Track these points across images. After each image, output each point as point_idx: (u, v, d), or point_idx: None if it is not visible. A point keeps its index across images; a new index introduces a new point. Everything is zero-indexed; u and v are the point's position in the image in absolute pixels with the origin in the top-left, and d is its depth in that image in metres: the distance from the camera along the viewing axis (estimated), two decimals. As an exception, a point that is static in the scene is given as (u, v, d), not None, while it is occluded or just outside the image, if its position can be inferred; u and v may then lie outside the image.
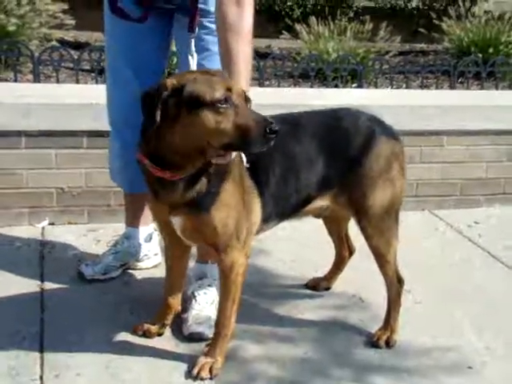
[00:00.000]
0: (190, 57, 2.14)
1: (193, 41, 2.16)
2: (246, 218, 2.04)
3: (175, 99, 1.77)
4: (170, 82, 1.80)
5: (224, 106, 1.76)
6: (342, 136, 2.20)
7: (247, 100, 1.85)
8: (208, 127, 1.76)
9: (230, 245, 2.02)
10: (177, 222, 2.01)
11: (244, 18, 2.01)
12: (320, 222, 2.60)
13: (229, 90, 1.78)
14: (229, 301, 2.09)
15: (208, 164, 1.89)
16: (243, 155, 1.98)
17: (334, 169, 2.18)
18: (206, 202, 1.94)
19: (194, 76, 1.83)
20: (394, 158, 2.24)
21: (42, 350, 2.17)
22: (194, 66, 2.17)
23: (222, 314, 2.11)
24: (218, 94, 1.76)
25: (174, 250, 2.24)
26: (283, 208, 2.16)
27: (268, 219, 2.14)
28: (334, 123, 2.22)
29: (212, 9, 2.23)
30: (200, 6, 2.23)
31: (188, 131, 1.78)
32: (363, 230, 2.27)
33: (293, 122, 2.18)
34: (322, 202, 2.24)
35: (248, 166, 2.00)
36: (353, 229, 2.59)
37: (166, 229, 2.14)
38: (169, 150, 1.85)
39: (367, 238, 2.27)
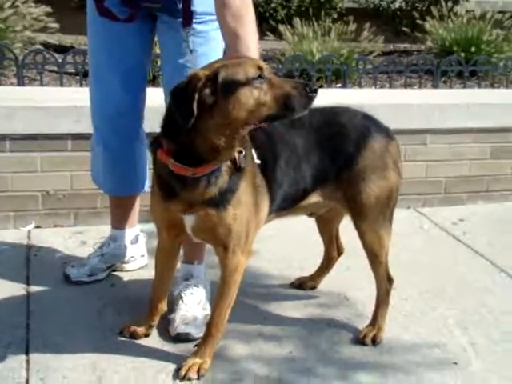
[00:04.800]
0: (188, 51, 2.14)
1: (190, 35, 2.17)
2: (256, 215, 2.06)
3: (210, 88, 1.79)
4: (202, 72, 1.81)
5: (259, 81, 1.81)
6: (338, 132, 2.22)
7: None
8: (249, 104, 1.80)
9: (239, 244, 2.03)
10: (191, 220, 2.00)
11: (247, 7, 2.03)
12: (306, 222, 2.61)
13: (259, 66, 1.83)
14: (227, 301, 2.09)
15: (231, 160, 1.92)
16: (254, 152, 1.99)
17: (330, 164, 2.20)
18: (226, 200, 1.95)
19: (223, 63, 1.85)
20: (388, 156, 2.26)
21: (27, 353, 2.17)
22: (193, 59, 2.16)
23: (217, 314, 2.11)
24: (251, 71, 1.81)
25: (167, 251, 2.22)
26: (282, 202, 2.17)
27: (270, 213, 2.15)
28: (331, 120, 2.24)
29: (198, 9, 2.23)
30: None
31: (228, 115, 1.80)
32: (357, 227, 2.28)
33: None
34: (317, 198, 2.25)
35: (259, 162, 2.02)
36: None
37: (169, 229, 2.12)
38: (205, 142, 1.85)
39: (361, 234, 2.29)
